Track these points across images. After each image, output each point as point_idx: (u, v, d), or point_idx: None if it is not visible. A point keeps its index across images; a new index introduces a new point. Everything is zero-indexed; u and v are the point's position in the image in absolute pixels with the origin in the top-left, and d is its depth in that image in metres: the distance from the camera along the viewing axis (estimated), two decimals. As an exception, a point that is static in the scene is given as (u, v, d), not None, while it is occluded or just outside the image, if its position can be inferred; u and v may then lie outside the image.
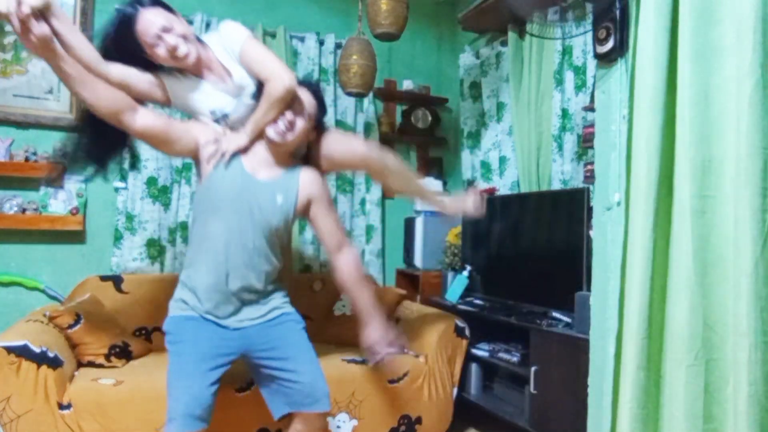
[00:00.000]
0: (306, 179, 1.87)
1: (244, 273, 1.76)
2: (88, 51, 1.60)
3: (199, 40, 1.79)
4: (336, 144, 1.97)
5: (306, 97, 1.81)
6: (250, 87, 1.81)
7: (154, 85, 1.78)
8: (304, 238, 3.15)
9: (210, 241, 1.76)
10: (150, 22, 1.64)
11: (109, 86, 1.64)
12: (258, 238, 1.78)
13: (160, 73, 1.79)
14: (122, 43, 1.68)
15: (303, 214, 1.91)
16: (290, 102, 1.74)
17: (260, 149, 1.82)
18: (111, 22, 1.70)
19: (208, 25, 2.98)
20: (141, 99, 1.76)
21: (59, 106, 2.76)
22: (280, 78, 1.67)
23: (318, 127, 1.92)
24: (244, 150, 1.80)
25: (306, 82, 1.84)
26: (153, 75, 1.76)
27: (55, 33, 1.51)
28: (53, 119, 2.72)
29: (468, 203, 2.14)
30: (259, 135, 1.80)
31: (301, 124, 1.78)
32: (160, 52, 1.67)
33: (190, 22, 2.95)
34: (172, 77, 1.80)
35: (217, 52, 1.80)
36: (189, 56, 1.69)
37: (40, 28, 1.45)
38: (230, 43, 1.77)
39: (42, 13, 1.47)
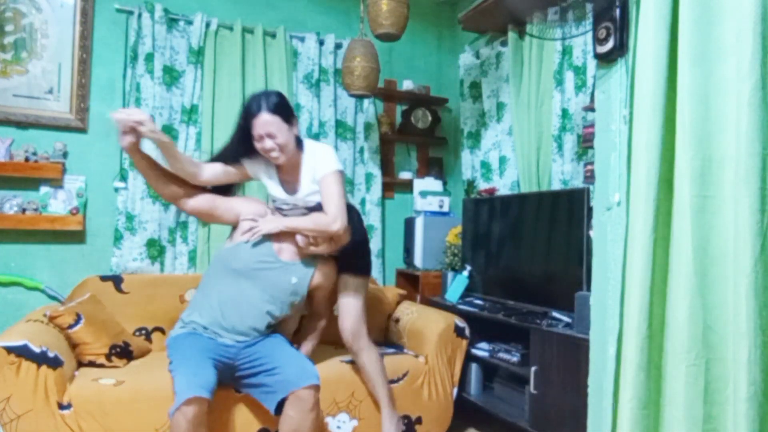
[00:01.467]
0: (322, 271, 2.16)
1: (241, 331, 2.01)
2: (188, 165, 2.01)
3: (300, 143, 2.10)
4: (344, 306, 2.22)
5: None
6: (311, 200, 2.11)
7: (236, 174, 2.15)
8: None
9: (217, 299, 2.02)
10: (261, 124, 1.96)
11: (176, 182, 2.05)
12: (264, 308, 2.04)
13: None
14: (243, 122, 2.02)
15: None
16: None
17: (289, 237, 2.09)
18: (243, 105, 2.06)
19: (207, 25, 2.99)
20: (230, 182, 2.18)
21: (59, 106, 2.76)
22: (335, 221, 2.00)
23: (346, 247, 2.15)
24: (276, 234, 2.07)
25: (349, 206, 2.09)
26: (239, 164, 2.14)
27: (166, 156, 1.95)
28: (53, 119, 2.73)
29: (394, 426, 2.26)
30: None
31: (325, 246, 2.09)
32: (258, 146, 2.01)
33: (190, 23, 2.96)
34: (263, 163, 2.14)
35: (305, 162, 2.10)
36: (278, 160, 2.04)
37: (130, 139, 1.88)
38: (319, 165, 2.06)
39: (159, 146, 1.92)
